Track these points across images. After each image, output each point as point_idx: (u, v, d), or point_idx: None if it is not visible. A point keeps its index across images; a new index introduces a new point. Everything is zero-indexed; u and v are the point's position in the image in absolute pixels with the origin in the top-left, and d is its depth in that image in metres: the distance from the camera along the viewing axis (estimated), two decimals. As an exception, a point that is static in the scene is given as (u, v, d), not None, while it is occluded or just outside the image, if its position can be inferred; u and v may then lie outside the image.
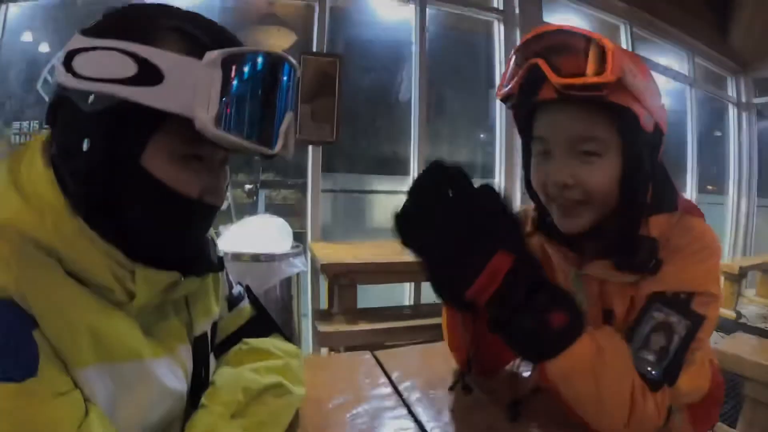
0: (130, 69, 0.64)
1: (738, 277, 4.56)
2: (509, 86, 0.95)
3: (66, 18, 3.80)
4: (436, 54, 4.09)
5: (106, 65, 0.65)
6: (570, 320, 0.82)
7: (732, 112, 6.48)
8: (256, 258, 2.80)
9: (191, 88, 0.64)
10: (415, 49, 3.96)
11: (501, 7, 4.30)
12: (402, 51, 4.03)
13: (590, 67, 0.84)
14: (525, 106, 0.98)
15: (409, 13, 4.03)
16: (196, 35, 0.68)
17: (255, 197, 4.07)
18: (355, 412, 1.01)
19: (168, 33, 0.67)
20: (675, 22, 5.30)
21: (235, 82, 0.67)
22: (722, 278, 4.74)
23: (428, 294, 3.59)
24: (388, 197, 4.05)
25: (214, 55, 0.65)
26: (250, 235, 2.92)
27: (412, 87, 3.98)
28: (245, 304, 1.05)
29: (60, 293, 0.64)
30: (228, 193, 2.61)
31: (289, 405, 0.91)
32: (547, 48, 0.90)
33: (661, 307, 0.88)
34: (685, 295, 0.88)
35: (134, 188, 0.69)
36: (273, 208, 4.53)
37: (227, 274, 1.03)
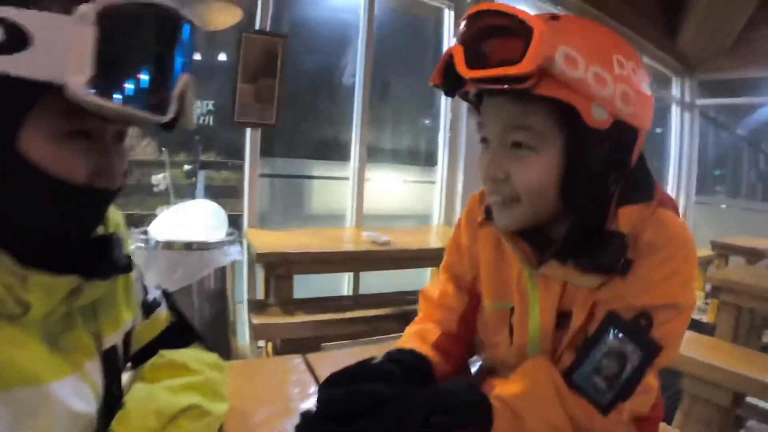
0: None
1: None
2: (433, 80, 0.86)
3: None
4: (383, 38, 3.97)
5: None
6: None
7: (675, 111, 6.69)
8: (188, 246, 2.67)
9: (62, 49, 0.53)
10: (361, 31, 3.84)
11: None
12: (348, 33, 3.91)
13: (511, 54, 0.73)
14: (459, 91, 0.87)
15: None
16: None
17: (194, 178, 3.93)
18: (283, 427, 0.93)
19: None
20: (626, 21, 5.34)
21: (113, 40, 0.56)
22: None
23: (368, 284, 3.58)
24: (328, 183, 3.95)
25: (86, 8, 0.54)
26: (183, 221, 2.79)
27: (356, 70, 3.87)
28: (162, 311, 0.95)
29: None
30: (167, 174, 2.48)
31: (207, 427, 0.81)
32: (479, 31, 0.80)
33: (616, 334, 0.81)
34: (646, 320, 0.80)
35: (10, 176, 0.59)
36: (213, 190, 4.40)
37: (142, 277, 0.93)
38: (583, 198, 0.83)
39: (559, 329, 0.91)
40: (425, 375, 0.97)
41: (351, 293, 3.67)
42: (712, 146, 7.22)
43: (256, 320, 2.53)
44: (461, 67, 0.77)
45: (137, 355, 0.88)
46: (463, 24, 0.83)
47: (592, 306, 0.86)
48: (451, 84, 0.82)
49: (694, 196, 6.69)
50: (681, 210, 6.36)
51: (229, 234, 2.88)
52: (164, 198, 3.31)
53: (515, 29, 0.75)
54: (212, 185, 4.20)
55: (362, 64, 3.81)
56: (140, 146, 5.57)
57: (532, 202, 0.83)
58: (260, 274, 3.08)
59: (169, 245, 2.65)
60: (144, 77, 0.60)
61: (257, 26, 3.39)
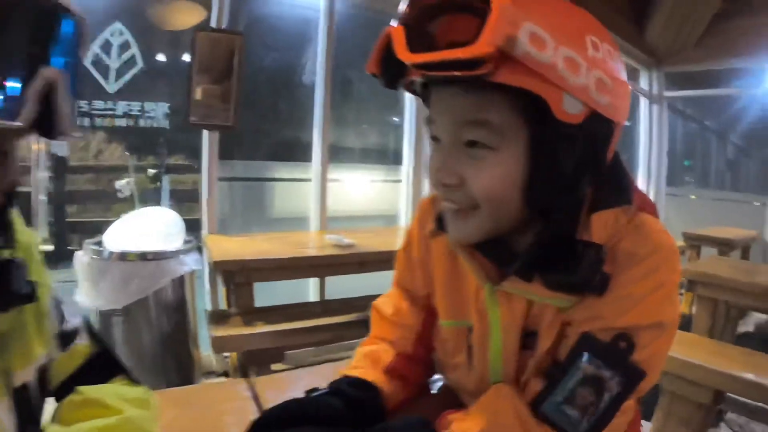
0: None
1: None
2: (370, 68, 0.74)
3: None
4: (345, 34, 3.84)
5: None
6: None
7: (644, 104, 6.72)
8: (143, 257, 2.55)
9: None
10: (322, 27, 3.69)
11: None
12: (308, 30, 3.79)
13: (464, 34, 0.60)
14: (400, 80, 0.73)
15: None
16: None
17: (159, 183, 3.81)
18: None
19: None
20: (593, 12, 5.31)
21: None
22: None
23: (336, 288, 3.47)
24: (292, 185, 3.83)
25: None
26: (138, 230, 2.67)
27: (317, 69, 3.73)
28: (82, 341, 0.85)
29: None
30: (131, 179, 2.37)
31: None
32: (425, 8, 0.69)
33: (592, 358, 0.69)
34: (626, 343, 0.70)
35: None
36: (179, 194, 4.29)
37: (59, 304, 0.81)
38: (552, 204, 0.71)
39: (525, 351, 0.80)
40: (374, 408, 0.87)
41: (317, 299, 3.54)
42: (681, 137, 7.27)
43: (214, 332, 2.40)
44: (401, 51, 0.65)
45: (57, 391, 0.79)
46: (405, 1, 0.70)
47: (562, 326, 0.75)
48: (392, 72, 0.70)
49: (664, 188, 6.70)
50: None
51: (186, 242, 2.76)
52: (130, 204, 3.20)
53: (469, 4, 0.63)
54: (178, 189, 4.09)
55: (323, 62, 3.67)
56: (108, 151, 5.47)
57: (492, 210, 0.71)
58: (219, 281, 2.97)
59: (122, 256, 2.54)
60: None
61: (213, 24, 3.25)
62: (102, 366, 0.85)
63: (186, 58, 3.79)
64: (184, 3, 3.88)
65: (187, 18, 3.96)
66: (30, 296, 0.67)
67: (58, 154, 4.13)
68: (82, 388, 0.77)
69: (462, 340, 0.89)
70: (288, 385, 1.18)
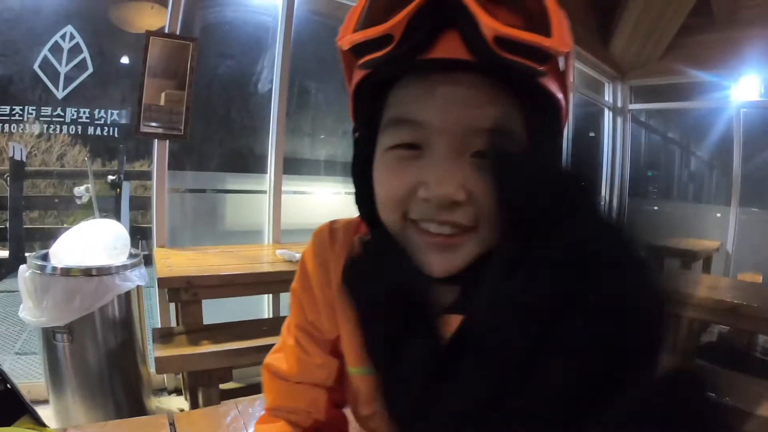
0: None
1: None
2: (382, 25, 0.53)
3: None
4: (301, 41, 3.75)
5: None
6: None
7: (607, 116, 6.83)
8: (87, 272, 2.44)
9: None
10: (279, 34, 3.60)
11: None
12: (264, 37, 3.69)
13: (526, 21, 0.51)
14: (390, 66, 0.56)
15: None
16: None
17: (118, 190, 3.69)
18: None
19: None
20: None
21: None
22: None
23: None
24: (245, 197, 3.74)
25: None
26: (83, 244, 2.56)
27: (273, 77, 3.64)
28: None
29: None
30: (90, 185, 2.26)
31: None
32: None
33: None
34: None
35: None
36: (140, 201, 4.17)
37: None
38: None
39: None
40: None
41: (270, 315, 3.46)
42: (645, 149, 7.36)
43: (158, 352, 2.31)
44: (484, 17, 0.49)
45: None
46: None
47: None
48: (407, 50, 0.53)
49: (627, 198, 6.78)
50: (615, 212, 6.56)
51: (132, 256, 2.66)
52: (89, 211, 3.10)
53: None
54: (139, 196, 3.99)
55: (279, 70, 3.58)
56: (71, 154, 5.32)
57: (491, 231, 0.56)
58: (165, 298, 2.89)
59: (66, 271, 2.42)
60: None
61: (166, 28, 3.15)
62: (6, 407, 0.77)
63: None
64: (148, 4, 3.79)
65: (150, 20, 3.87)
66: None
67: (16, 157, 3.98)
68: None
69: (373, 388, 0.77)
70: (211, 421, 1.09)
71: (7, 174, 3.95)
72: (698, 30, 5.75)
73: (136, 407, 2.69)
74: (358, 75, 0.60)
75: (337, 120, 4.39)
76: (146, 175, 3.80)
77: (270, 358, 0.88)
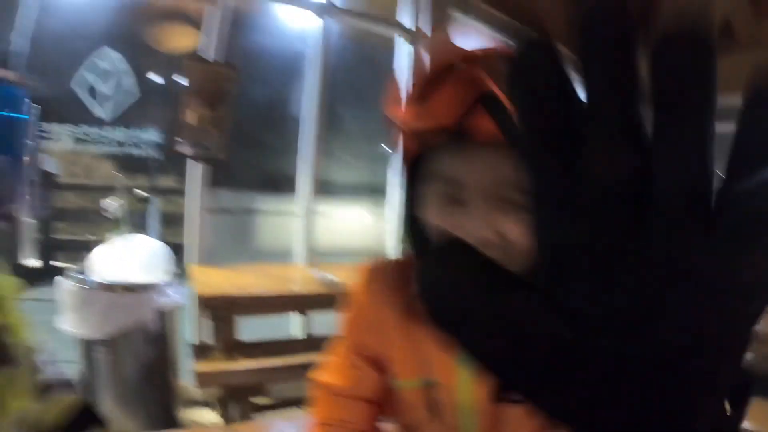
0: None
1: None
2: (438, 118, 0.72)
3: None
4: (334, 67, 3.87)
5: None
6: None
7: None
8: (129, 288, 2.55)
9: None
10: (315, 61, 3.74)
11: (409, 26, 4.18)
12: (297, 63, 3.83)
13: None
14: (431, 141, 0.75)
15: (309, 20, 3.83)
16: None
17: (147, 204, 3.77)
18: None
19: None
20: (572, 47, 5.45)
21: None
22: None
23: (321, 322, 3.46)
24: (276, 217, 3.84)
25: None
26: (124, 259, 2.66)
27: (306, 101, 3.76)
28: (62, 393, 0.87)
29: None
30: (119, 199, 2.38)
31: None
32: (481, 71, 0.70)
33: None
34: None
35: None
36: (165, 217, 4.27)
37: (41, 356, 0.84)
38: None
39: (502, 404, 0.78)
40: None
41: (300, 333, 3.54)
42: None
43: (198, 367, 2.41)
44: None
45: None
46: (468, 60, 0.74)
47: None
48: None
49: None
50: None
51: (175, 274, 2.77)
52: (117, 225, 3.19)
53: None
54: (164, 212, 4.07)
55: (315, 95, 3.70)
56: (99, 168, 5.44)
57: (523, 263, 0.68)
58: (202, 315, 2.98)
59: (107, 286, 2.52)
60: None
61: (199, 50, 3.29)
62: (81, 417, 0.87)
63: (179, 79, 3.85)
64: (179, 26, 3.92)
65: (181, 41, 4.00)
66: (6, 362, 0.69)
67: (48, 170, 4.11)
68: None
69: (424, 398, 0.88)
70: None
71: (40, 186, 4.06)
72: (722, 52, 5.80)
73: (168, 419, 2.78)
74: (411, 143, 0.78)
75: (363, 144, 4.50)
76: (174, 191, 3.91)
77: (321, 375, 0.99)
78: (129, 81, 3.67)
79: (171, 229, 4.49)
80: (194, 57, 3.20)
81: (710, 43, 0.22)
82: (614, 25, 0.24)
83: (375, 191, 4.26)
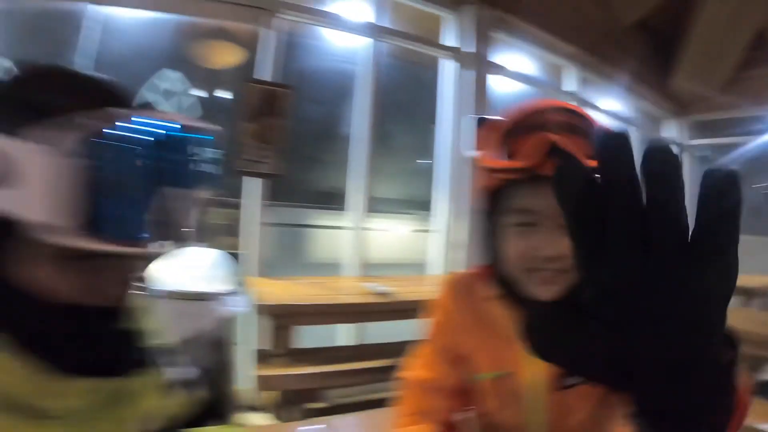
0: None
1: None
2: (521, 160, 0.92)
3: (10, 24, 3.69)
4: (383, 85, 4.04)
5: None
6: None
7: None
8: (195, 297, 2.70)
9: (28, 183, 0.51)
10: (365, 81, 3.95)
11: (452, 45, 4.36)
12: (349, 82, 4.01)
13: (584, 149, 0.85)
14: (512, 178, 0.95)
15: (358, 42, 4.03)
16: (32, 103, 0.54)
17: (210, 217, 3.94)
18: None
19: (8, 109, 0.54)
20: (619, 65, 5.51)
21: (83, 169, 0.51)
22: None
23: (373, 333, 3.60)
24: (326, 231, 4.01)
25: (54, 136, 0.51)
26: (190, 269, 2.82)
27: (357, 119, 3.95)
28: (187, 390, 1.00)
29: None
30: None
31: None
32: (555, 124, 0.92)
33: None
34: None
35: (10, 299, 0.58)
36: (225, 230, 4.43)
37: (168, 356, 0.97)
38: None
39: (565, 390, 0.98)
40: None
41: (350, 342, 3.71)
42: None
43: (261, 371, 2.57)
44: (579, 156, 0.84)
45: None
46: (534, 114, 0.97)
47: None
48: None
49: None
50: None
51: (237, 284, 2.92)
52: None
53: (584, 128, 0.92)
54: (223, 225, 4.23)
55: (365, 114, 3.89)
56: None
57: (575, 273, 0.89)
58: (262, 323, 3.14)
59: (176, 295, 2.67)
60: (120, 205, 0.56)
61: (262, 74, 3.50)
62: (204, 411, 1.00)
63: (221, 95, 4.04)
64: (222, 43, 4.07)
65: (225, 58, 4.14)
66: (144, 362, 0.76)
67: None
68: (195, 429, 0.93)
69: (502, 388, 1.05)
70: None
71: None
72: (757, 63, 5.76)
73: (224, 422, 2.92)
74: (493, 179, 0.98)
75: (409, 159, 4.64)
76: (231, 205, 4.06)
77: (410, 373, 1.17)
78: (189, 100, 3.84)
79: (228, 240, 4.66)
80: (253, 79, 3.40)
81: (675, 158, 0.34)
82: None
83: (421, 205, 4.39)
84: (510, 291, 1.01)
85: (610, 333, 0.35)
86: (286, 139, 3.41)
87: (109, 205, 0.54)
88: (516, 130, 0.97)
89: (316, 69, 4.04)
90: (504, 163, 0.95)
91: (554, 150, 0.88)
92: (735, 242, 0.35)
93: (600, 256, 0.35)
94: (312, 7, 3.86)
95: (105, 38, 3.66)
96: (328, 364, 2.70)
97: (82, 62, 3.63)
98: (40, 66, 0.59)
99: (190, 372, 1.00)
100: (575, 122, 0.94)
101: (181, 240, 0.62)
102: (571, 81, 5.41)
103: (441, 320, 1.17)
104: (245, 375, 3.07)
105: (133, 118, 0.54)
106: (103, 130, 0.52)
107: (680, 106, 6.56)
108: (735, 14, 5.36)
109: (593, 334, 0.36)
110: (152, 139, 0.56)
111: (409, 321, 3.16)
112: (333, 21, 3.93)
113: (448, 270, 4.12)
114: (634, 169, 0.35)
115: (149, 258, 0.65)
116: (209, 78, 4.02)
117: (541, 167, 0.89)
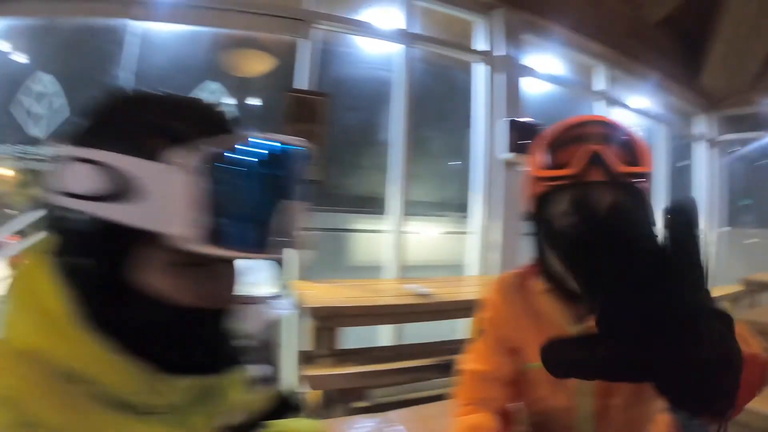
0: (102, 183, 0.59)
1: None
2: (566, 168, 1.06)
3: (52, 39, 3.76)
4: (417, 91, 4.13)
5: (82, 180, 0.60)
6: None
7: (700, 147, 6.81)
8: (245, 300, 2.79)
9: (159, 198, 0.58)
10: (399, 87, 4.05)
11: (483, 49, 4.44)
12: (383, 89, 4.12)
13: (632, 158, 1.04)
14: (559, 184, 1.08)
15: (392, 48, 4.13)
16: (168, 130, 0.61)
17: None
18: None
19: (134, 132, 0.62)
20: (648, 62, 5.53)
21: (209, 184, 0.58)
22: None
23: (411, 333, 3.68)
24: (364, 234, 4.11)
25: (180, 156, 0.58)
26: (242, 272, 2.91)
27: (394, 125, 4.05)
28: (266, 386, 1.07)
29: (91, 419, 0.62)
30: None
31: None
32: (594, 135, 1.06)
33: None
34: None
35: (129, 302, 0.65)
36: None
37: (247, 356, 1.04)
38: None
39: None
40: None
41: (388, 342, 3.80)
42: (739, 178, 7.18)
43: (307, 371, 2.66)
44: (615, 164, 1.02)
45: (250, 428, 0.97)
46: (577, 127, 1.11)
47: None
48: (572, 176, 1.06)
49: (721, 228, 6.78)
50: (714, 245, 6.60)
51: (281, 287, 3.02)
52: None
53: (623, 140, 1.05)
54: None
55: (401, 119, 3.99)
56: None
57: None
58: (305, 325, 3.24)
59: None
60: (242, 220, 0.62)
61: (298, 83, 3.62)
62: (282, 406, 1.08)
63: (252, 102, 4.15)
64: (252, 51, 4.15)
65: (255, 66, 4.22)
66: (238, 360, 0.82)
67: None
68: (273, 422, 0.99)
69: (548, 377, 1.13)
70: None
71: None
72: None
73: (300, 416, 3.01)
74: (541, 186, 1.11)
75: (445, 162, 4.70)
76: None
77: (467, 365, 1.29)
78: (230, 108, 3.92)
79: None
80: (292, 90, 3.51)
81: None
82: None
83: (457, 208, 4.45)
84: (557, 285, 1.14)
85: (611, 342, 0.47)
86: (325, 146, 3.51)
87: (230, 217, 0.60)
88: (560, 142, 1.10)
89: (351, 77, 4.13)
90: (553, 172, 1.08)
91: (595, 158, 1.02)
92: (701, 256, 0.46)
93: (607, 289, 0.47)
94: (346, 16, 3.97)
95: (143, 51, 3.76)
96: (371, 363, 2.79)
97: (123, 75, 3.72)
98: (168, 95, 0.67)
99: (266, 369, 1.07)
100: (611, 133, 1.06)
101: (293, 247, 0.68)
102: (600, 80, 5.43)
103: (493, 316, 1.29)
104: (290, 375, 3.16)
105: (249, 140, 0.62)
106: (224, 153, 0.59)
107: (710, 102, 6.51)
108: (763, 8, 5.34)
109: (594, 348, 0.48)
110: (266, 157, 0.64)
111: (449, 321, 3.25)
112: (367, 29, 4.04)
113: (484, 271, 4.21)
114: (698, 235, 0.46)
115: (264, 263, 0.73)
116: (241, 86, 4.10)
117: (584, 174, 1.03)
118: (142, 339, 0.67)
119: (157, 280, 0.64)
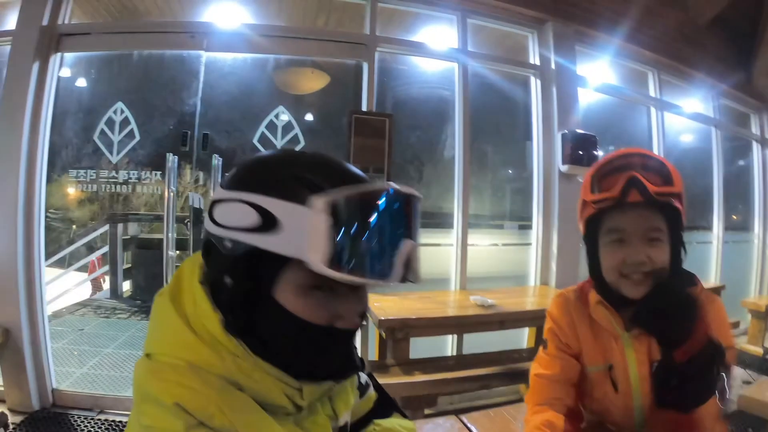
0: (254, 218, 0.73)
1: (765, 314, 4.68)
2: (609, 192, 1.27)
3: (122, 68, 3.97)
4: (475, 107, 4.24)
5: (235, 215, 0.75)
6: None
7: (756, 148, 6.68)
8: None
9: (303, 233, 0.70)
10: (458, 105, 4.18)
11: (537, 63, 4.53)
12: (444, 108, 4.26)
13: (664, 181, 1.23)
14: (604, 206, 1.29)
15: (448, 65, 4.27)
16: (311, 182, 0.74)
17: None
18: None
19: (284, 182, 0.74)
20: (699, 66, 5.54)
21: (342, 224, 0.71)
22: (749, 315, 4.88)
23: (471, 342, 3.78)
24: (431, 249, 4.22)
25: (320, 202, 0.70)
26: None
27: (454, 141, 4.18)
28: (371, 391, 1.19)
29: (253, 418, 0.76)
30: None
31: None
32: (632, 164, 1.27)
33: None
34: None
35: (271, 320, 0.78)
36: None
37: None
38: (683, 268, 1.31)
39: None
40: None
41: (454, 352, 3.93)
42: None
43: (380, 380, 2.78)
44: (650, 186, 1.22)
45: (357, 426, 1.11)
46: (617, 159, 1.32)
47: None
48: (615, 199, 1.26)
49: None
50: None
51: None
52: None
53: (656, 166, 1.26)
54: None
55: (460, 137, 4.13)
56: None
57: (661, 276, 1.24)
58: (374, 335, 3.42)
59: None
60: (368, 251, 0.72)
61: (362, 104, 3.80)
62: (384, 406, 1.21)
63: (308, 117, 4.29)
64: (309, 69, 4.29)
65: (311, 83, 4.37)
66: (362, 367, 0.94)
67: (194, 205, 4.52)
68: (378, 421, 1.12)
69: (605, 377, 1.37)
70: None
71: (188, 219, 4.42)
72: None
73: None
74: (590, 209, 1.33)
75: (504, 175, 4.78)
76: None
77: (536, 371, 1.47)
78: (295, 131, 4.08)
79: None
80: (358, 112, 3.69)
81: None
82: None
83: (517, 220, 4.54)
84: (610, 296, 1.33)
85: None
86: (389, 164, 3.67)
87: (363, 251, 0.72)
88: (604, 172, 1.32)
89: (412, 96, 4.27)
90: (598, 195, 1.30)
91: (632, 182, 1.23)
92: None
93: None
94: (405, 38, 4.13)
95: (212, 79, 3.95)
96: (439, 372, 2.92)
97: (194, 101, 3.89)
98: (311, 155, 0.82)
99: (366, 377, 1.20)
100: (647, 161, 1.27)
101: (410, 279, 0.79)
102: (652, 86, 5.45)
103: (555, 325, 1.49)
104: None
105: (374, 190, 0.75)
106: (352, 198, 0.73)
107: (762, 102, 6.42)
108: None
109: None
110: (385, 203, 0.75)
111: (512, 331, 3.34)
112: (425, 50, 4.20)
113: (543, 281, 4.30)
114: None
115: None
116: (297, 103, 4.25)
117: (624, 197, 1.24)
118: (284, 351, 0.80)
119: (294, 301, 0.76)
